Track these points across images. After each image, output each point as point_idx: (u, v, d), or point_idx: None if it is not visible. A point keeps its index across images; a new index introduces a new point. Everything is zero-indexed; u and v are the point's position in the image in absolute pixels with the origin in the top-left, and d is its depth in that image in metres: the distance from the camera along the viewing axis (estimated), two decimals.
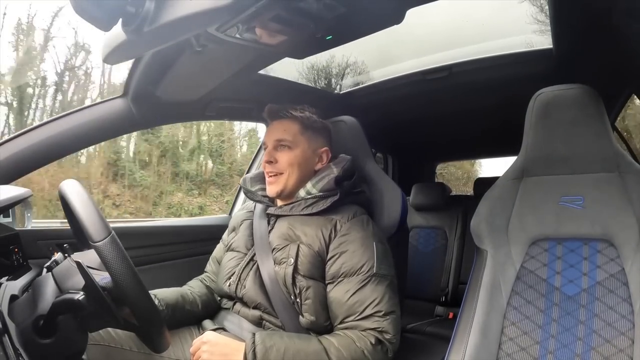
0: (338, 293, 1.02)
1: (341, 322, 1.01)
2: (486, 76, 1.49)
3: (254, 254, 1.12)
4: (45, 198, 9.30)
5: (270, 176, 1.15)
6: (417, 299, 2.22)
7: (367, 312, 0.99)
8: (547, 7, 1.04)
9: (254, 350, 0.91)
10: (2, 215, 1.19)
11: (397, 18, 0.94)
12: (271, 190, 1.16)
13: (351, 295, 1.00)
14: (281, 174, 1.14)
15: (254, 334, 0.94)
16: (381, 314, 0.99)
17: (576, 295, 0.94)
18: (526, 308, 0.97)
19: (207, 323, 1.13)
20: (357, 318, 0.99)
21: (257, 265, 1.09)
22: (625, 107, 1.71)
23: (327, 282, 1.05)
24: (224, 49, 0.95)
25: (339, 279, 1.03)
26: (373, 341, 0.96)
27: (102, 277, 0.78)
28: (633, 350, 0.85)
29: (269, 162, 1.15)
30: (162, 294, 1.10)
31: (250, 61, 1.10)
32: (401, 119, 2.06)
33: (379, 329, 0.98)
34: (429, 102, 1.78)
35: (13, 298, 0.86)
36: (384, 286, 1.03)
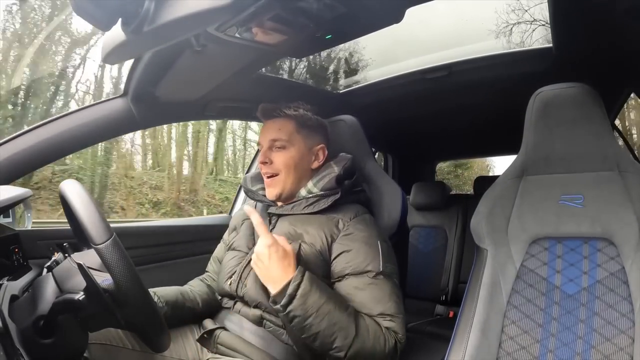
0: (346, 289, 1.01)
1: None
2: (486, 75, 1.49)
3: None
4: None
5: (267, 177, 1.15)
6: (418, 298, 2.22)
7: (378, 310, 0.98)
8: (547, 5, 1.03)
9: (298, 284, 0.90)
10: (2, 216, 1.19)
11: (397, 17, 0.94)
12: (270, 193, 1.15)
13: (359, 291, 1.00)
14: (277, 175, 1.13)
15: (305, 270, 0.93)
16: (390, 312, 0.99)
17: (576, 294, 0.94)
18: (526, 307, 0.97)
19: (207, 322, 1.13)
20: (369, 315, 0.98)
21: None
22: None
23: (332, 280, 1.04)
24: (224, 48, 0.96)
25: (346, 277, 1.02)
26: (394, 339, 0.97)
27: (103, 279, 0.78)
28: (633, 349, 0.85)
29: (264, 162, 1.14)
30: (161, 292, 1.10)
31: (250, 61, 1.10)
32: (401, 118, 2.06)
33: (391, 329, 0.98)
34: (429, 101, 1.78)
35: (13, 298, 0.86)
36: (390, 285, 1.02)
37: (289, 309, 0.89)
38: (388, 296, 1.00)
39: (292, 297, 0.89)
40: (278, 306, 0.90)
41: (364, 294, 1.00)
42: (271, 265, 0.91)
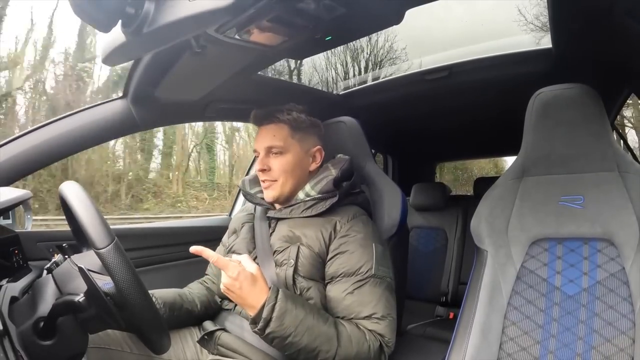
0: (335, 292, 1.02)
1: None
2: (486, 76, 1.49)
3: (256, 257, 1.12)
4: None
5: (265, 182, 1.15)
6: (418, 299, 2.22)
7: (365, 313, 0.99)
8: (546, 6, 1.03)
9: (273, 306, 0.89)
10: (2, 217, 1.19)
11: (397, 18, 0.94)
12: (267, 195, 1.15)
13: (348, 294, 1.00)
14: (276, 180, 1.13)
15: (278, 289, 0.92)
16: (379, 315, 0.99)
17: (576, 295, 0.94)
18: (527, 308, 0.97)
19: (207, 324, 1.13)
20: (356, 317, 0.99)
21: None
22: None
23: (326, 281, 1.05)
24: (224, 49, 0.96)
25: (337, 279, 1.03)
26: (378, 342, 0.97)
27: (104, 283, 0.78)
28: (634, 350, 0.85)
29: (263, 170, 1.13)
30: (159, 294, 1.10)
31: (250, 62, 1.10)
32: (401, 119, 2.06)
33: (377, 331, 0.98)
34: (429, 102, 1.78)
35: (13, 300, 0.86)
36: (382, 288, 1.03)
37: (267, 331, 0.88)
38: (377, 299, 1.01)
39: (268, 320, 0.88)
40: (256, 329, 0.89)
41: (352, 297, 1.00)
42: (243, 294, 0.89)
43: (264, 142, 1.14)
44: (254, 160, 1.96)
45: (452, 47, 1.57)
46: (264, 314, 0.88)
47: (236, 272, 0.89)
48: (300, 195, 1.14)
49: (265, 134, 1.15)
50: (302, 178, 1.16)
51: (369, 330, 0.98)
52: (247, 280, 0.89)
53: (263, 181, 1.15)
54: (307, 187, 1.14)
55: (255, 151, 1.18)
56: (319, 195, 1.12)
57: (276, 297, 0.89)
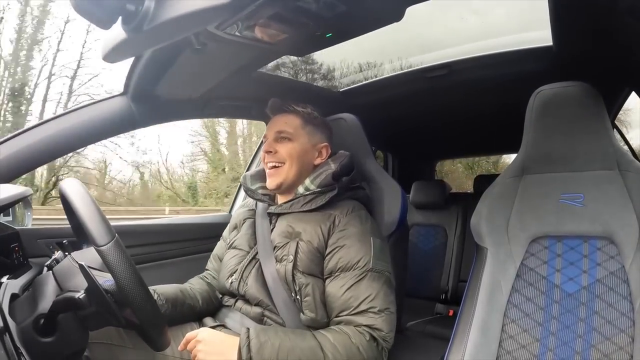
0: (334, 287, 1.02)
1: (336, 317, 1.01)
2: (486, 74, 1.49)
3: (256, 253, 1.12)
4: None
5: (270, 168, 1.16)
6: (417, 297, 2.22)
7: (362, 307, 0.99)
8: (547, 4, 1.03)
9: (248, 345, 0.90)
10: (2, 214, 1.19)
11: (397, 16, 0.94)
12: (271, 182, 1.16)
13: (346, 290, 1.00)
14: (282, 164, 1.15)
15: (248, 329, 0.93)
16: (375, 310, 0.99)
17: (576, 293, 0.94)
18: (526, 305, 0.97)
19: (207, 320, 1.13)
20: (351, 313, 0.99)
21: (260, 264, 1.10)
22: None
23: (325, 277, 1.05)
24: (224, 47, 0.95)
25: (336, 274, 1.03)
26: (367, 337, 0.97)
27: (105, 280, 0.78)
28: (633, 348, 0.85)
29: (269, 152, 1.16)
30: (161, 289, 1.11)
31: (250, 59, 1.10)
32: (401, 116, 2.06)
33: (373, 326, 0.98)
34: (429, 100, 1.78)
35: (14, 297, 0.86)
36: (380, 282, 1.03)
37: None
38: (375, 293, 1.01)
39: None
40: None
41: (350, 292, 1.00)
42: (218, 350, 0.92)
43: (275, 127, 1.18)
44: (254, 157, 1.96)
45: (452, 44, 1.56)
46: (243, 356, 0.89)
47: (203, 334, 0.93)
48: (300, 189, 1.15)
49: (278, 120, 1.19)
50: (306, 169, 1.17)
51: (364, 325, 0.98)
52: (211, 337, 0.94)
53: (268, 164, 1.17)
54: (307, 181, 1.15)
55: (264, 137, 1.21)
56: (319, 189, 1.13)
57: (248, 337, 0.91)
